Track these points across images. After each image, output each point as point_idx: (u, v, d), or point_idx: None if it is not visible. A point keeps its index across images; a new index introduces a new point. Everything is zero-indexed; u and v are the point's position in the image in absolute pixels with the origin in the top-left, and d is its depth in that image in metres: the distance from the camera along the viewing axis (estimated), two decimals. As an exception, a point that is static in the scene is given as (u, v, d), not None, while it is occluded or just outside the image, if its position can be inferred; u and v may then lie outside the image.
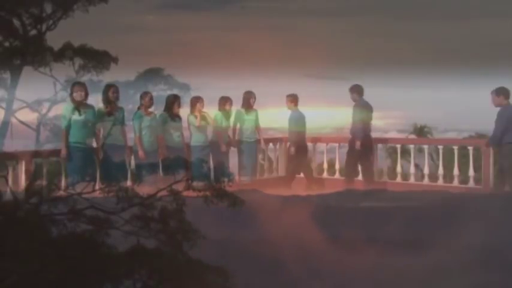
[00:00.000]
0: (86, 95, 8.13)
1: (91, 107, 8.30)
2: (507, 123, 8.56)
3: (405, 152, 11.10)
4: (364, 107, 9.85)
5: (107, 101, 8.47)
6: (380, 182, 10.09)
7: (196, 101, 9.62)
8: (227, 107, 9.82)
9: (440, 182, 9.85)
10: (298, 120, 10.34)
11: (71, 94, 8.23)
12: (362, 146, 9.72)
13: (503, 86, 8.83)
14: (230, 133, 10.08)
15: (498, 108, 8.74)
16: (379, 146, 10.80)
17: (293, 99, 10.40)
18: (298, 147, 10.30)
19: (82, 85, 8.39)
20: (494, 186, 8.95)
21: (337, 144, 11.32)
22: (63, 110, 8.47)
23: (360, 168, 10.10)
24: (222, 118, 9.78)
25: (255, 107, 10.34)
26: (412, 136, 18.69)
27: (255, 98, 10.26)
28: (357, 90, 9.92)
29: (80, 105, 8.00)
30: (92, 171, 7.06)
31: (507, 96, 8.72)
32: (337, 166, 11.11)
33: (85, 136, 8.04)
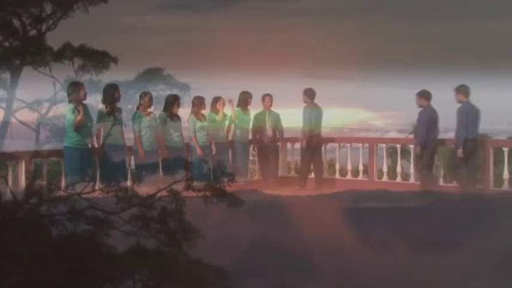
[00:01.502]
0: (85, 94, 8.10)
1: (86, 106, 8.28)
2: (429, 122, 9.29)
3: (405, 152, 11.10)
4: (313, 108, 10.40)
5: (107, 100, 8.45)
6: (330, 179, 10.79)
7: (200, 101, 9.69)
8: (218, 107, 9.82)
9: (440, 182, 9.85)
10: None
11: (70, 94, 8.17)
12: (312, 145, 10.31)
13: (425, 89, 9.56)
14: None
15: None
16: (379, 145, 10.81)
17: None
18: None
19: (80, 85, 8.37)
20: (422, 183, 9.41)
21: (337, 144, 11.33)
22: (65, 110, 8.39)
23: (311, 166, 10.63)
24: (215, 118, 9.77)
25: (254, 107, 10.40)
26: (412, 136, 18.64)
27: (251, 98, 10.32)
28: (308, 94, 10.50)
29: (78, 105, 7.99)
30: (92, 172, 7.08)
31: (428, 98, 9.48)
32: (337, 166, 11.12)
33: (84, 136, 8.03)
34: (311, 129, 10.28)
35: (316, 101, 10.52)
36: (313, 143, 10.37)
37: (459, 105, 9.21)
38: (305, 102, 10.46)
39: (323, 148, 11.00)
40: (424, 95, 9.51)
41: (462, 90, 9.24)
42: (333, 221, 5.50)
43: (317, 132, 10.46)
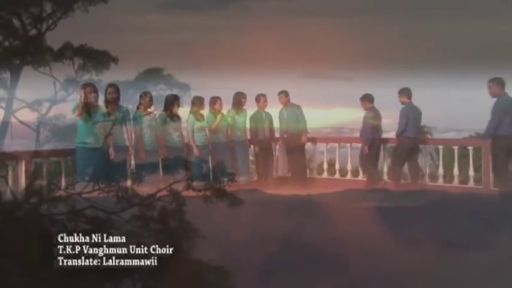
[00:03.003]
0: (94, 96, 8.08)
1: (99, 107, 8.28)
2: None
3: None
4: (291, 108, 10.64)
5: (107, 100, 8.47)
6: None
7: (199, 101, 9.69)
8: (217, 107, 9.80)
9: (440, 182, 9.86)
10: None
11: (84, 95, 8.11)
12: (291, 145, 10.63)
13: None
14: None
15: None
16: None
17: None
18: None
19: (89, 85, 8.36)
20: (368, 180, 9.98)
21: (337, 144, 11.34)
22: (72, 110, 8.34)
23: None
24: (213, 118, 9.76)
25: (253, 106, 10.42)
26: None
27: (245, 99, 10.34)
28: (286, 94, 10.71)
29: (90, 106, 8.01)
30: (92, 172, 7.08)
31: (371, 101, 10.06)
32: (337, 166, 11.12)
33: (91, 136, 8.02)
34: (287, 129, 10.56)
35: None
36: (293, 143, 10.57)
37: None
38: (283, 103, 10.62)
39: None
40: (367, 99, 10.07)
41: (405, 93, 9.79)
42: (336, 220, 5.51)
43: (295, 131, 10.58)
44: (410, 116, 9.62)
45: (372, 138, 9.95)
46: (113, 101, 8.44)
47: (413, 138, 9.72)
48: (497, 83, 8.73)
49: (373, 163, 10.11)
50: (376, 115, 10.08)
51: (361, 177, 10.77)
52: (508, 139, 8.55)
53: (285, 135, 10.74)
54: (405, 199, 7.46)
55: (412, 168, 9.86)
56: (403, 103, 9.76)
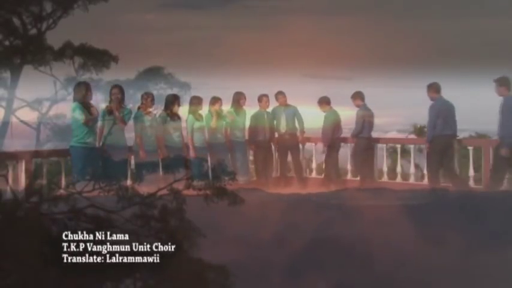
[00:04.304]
0: (91, 94, 8.14)
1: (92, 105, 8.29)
2: (333, 125, 10.39)
3: (405, 152, 11.10)
4: (285, 108, 10.83)
5: (111, 101, 8.51)
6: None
7: (198, 101, 9.69)
8: (216, 108, 9.80)
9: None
10: None
11: (77, 94, 8.13)
12: (285, 144, 10.83)
13: (325, 95, 10.62)
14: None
15: None
16: (379, 145, 10.80)
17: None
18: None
19: (87, 84, 8.41)
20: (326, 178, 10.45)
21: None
22: (72, 109, 8.36)
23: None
24: (212, 119, 9.75)
25: (253, 106, 10.47)
26: (412, 136, 18.66)
27: (245, 99, 10.36)
28: (284, 94, 10.99)
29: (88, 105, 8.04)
30: (93, 171, 7.06)
31: (328, 103, 10.55)
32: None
33: (90, 135, 8.03)
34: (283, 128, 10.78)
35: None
36: (288, 142, 10.75)
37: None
38: (281, 103, 10.81)
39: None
40: (324, 101, 10.54)
41: (359, 95, 10.26)
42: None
43: (291, 131, 10.75)
44: (366, 117, 10.09)
45: (330, 138, 10.37)
46: (117, 102, 8.46)
47: (367, 138, 10.19)
48: (432, 88, 9.38)
49: (333, 162, 10.49)
50: (335, 116, 10.48)
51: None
52: (441, 139, 9.22)
53: (276, 135, 10.82)
54: (406, 198, 7.47)
55: (363, 167, 10.27)
56: (357, 106, 10.22)
